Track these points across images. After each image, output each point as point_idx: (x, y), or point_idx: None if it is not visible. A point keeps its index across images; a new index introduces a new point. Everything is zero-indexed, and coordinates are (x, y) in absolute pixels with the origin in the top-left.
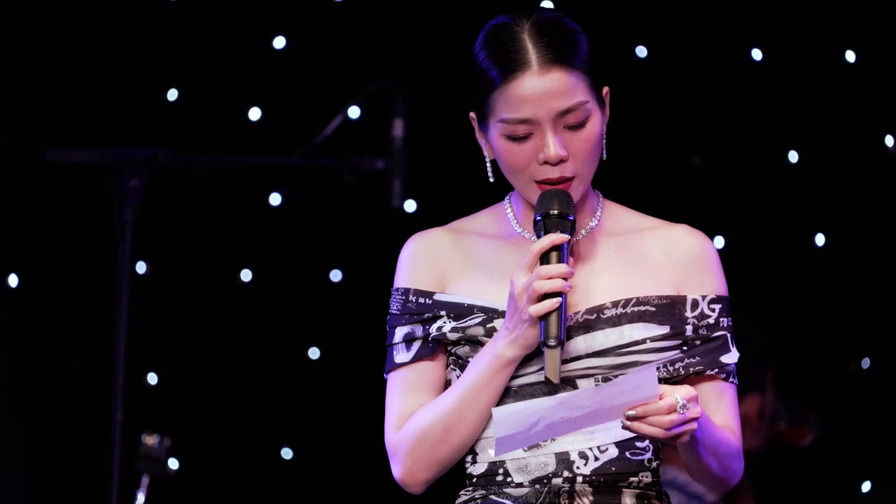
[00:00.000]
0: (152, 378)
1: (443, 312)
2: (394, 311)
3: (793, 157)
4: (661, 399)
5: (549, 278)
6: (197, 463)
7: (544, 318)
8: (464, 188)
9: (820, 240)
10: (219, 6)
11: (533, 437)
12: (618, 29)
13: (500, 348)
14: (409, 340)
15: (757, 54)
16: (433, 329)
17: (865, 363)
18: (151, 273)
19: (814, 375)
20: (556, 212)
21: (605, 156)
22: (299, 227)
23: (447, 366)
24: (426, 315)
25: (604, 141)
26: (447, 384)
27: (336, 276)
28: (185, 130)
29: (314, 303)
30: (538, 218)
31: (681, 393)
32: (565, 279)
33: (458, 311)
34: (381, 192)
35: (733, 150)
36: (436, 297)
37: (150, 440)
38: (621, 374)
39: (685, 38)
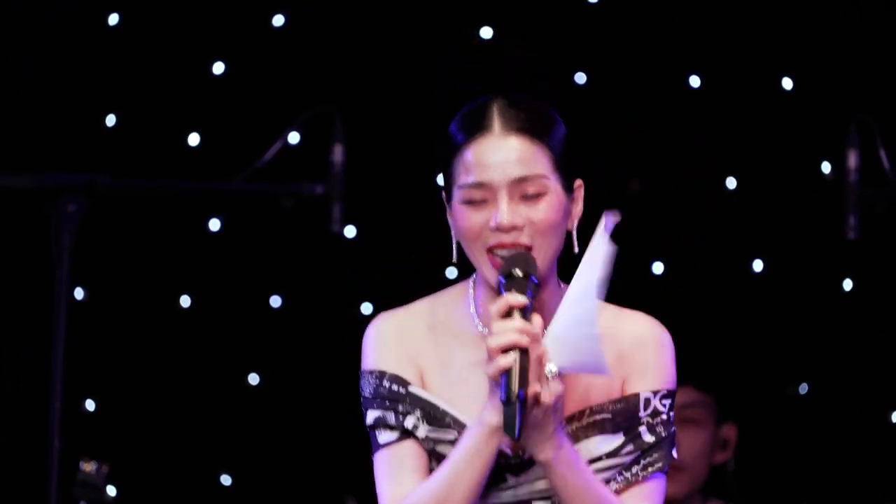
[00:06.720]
0: (90, 404)
1: (417, 411)
2: (366, 395)
3: (731, 183)
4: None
5: (502, 334)
6: (135, 490)
7: (507, 375)
8: (403, 214)
9: (758, 266)
10: (158, 31)
11: None
12: (557, 55)
13: (485, 415)
14: (384, 425)
15: (695, 81)
16: (408, 424)
17: (803, 388)
18: (89, 298)
19: (751, 401)
20: (519, 273)
21: (577, 249)
22: (238, 253)
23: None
24: (399, 407)
25: (574, 233)
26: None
27: (276, 301)
28: (123, 155)
29: (253, 328)
30: (501, 280)
31: (555, 368)
32: (523, 332)
33: (433, 415)
34: (320, 217)
35: (671, 175)
36: (410, 389)
37: (88, 467)
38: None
39: (624, 65)
